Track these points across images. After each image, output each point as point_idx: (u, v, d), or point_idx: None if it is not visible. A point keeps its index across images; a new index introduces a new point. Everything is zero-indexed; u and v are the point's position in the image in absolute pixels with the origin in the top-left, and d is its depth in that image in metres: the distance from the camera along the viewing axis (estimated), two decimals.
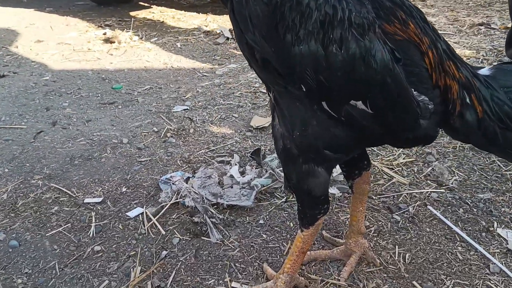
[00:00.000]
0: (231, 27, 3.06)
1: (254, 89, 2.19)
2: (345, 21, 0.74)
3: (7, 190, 1.45)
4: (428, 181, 1.37)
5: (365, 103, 0.78)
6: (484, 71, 0.91)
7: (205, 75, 2.43)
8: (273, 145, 1.20)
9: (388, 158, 1.50)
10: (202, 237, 1.18)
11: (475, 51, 2.45)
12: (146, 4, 4.45)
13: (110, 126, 1.89)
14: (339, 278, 1.03)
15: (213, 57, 2.75)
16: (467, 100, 0.84)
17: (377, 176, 1.41)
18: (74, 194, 1.42)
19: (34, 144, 1.75)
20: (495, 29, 2.81)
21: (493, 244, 1.12)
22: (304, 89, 0.79)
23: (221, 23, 3.59)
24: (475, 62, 2.31)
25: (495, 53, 2.41)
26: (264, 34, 0.79)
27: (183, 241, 1.18)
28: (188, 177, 1.39)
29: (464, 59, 2.28)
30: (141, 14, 3.97)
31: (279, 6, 0.75)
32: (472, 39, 2.67)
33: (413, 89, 0.81)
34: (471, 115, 0.84)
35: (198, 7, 4.39)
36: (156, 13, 4.03)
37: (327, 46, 0.74)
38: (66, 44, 3.08)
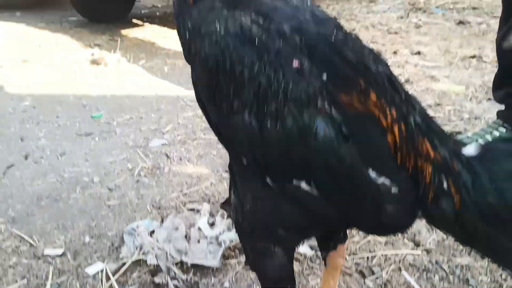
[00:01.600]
0: None
1: None
2: (280, 95, 0.67)
3: None
4: (405, 240, 1.31)
5: (309, 184, 0.71)
6: (470, 150, 0.77)
7: (189, 105, 2.37)
8: None
9: None
10: None
11: (464, 86, 2.41)
12: (139, 22, 4.42)
13: (84, 161, 1.83)
14: None
15: None
16: (444, 185, 0.72)
17: (353, 231, 1.35)
18: (35, 243, 1.35)
19: (3, 180, 1.69)
20: (487, 62, 2.77)
21: None
22: (245, 163, 0.74)
23: None
24: (464, 100, 2.26)
25: (485, 90, 2.36)
26: (206, 99, 0.74)
27: None
28: (153, 231, 1.32)
29: (453, 96, 2.23)
30: (132, 32, 3.94)
31: (214, 73, 0.69)
32: (462, 73, 2.62)
33: (370, 170, 0.71)
34: (448, 205, 0.72)
35: None
36: (148, 32, 3.99)
37: (261, 120, 0.68)
38: (51, 66, 3.03)
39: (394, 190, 0.73)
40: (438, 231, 1.33)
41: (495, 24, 3.78)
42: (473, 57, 2.85)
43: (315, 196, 0.71)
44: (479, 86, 2.41)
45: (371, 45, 2.69)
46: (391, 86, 0.74)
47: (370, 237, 1.32)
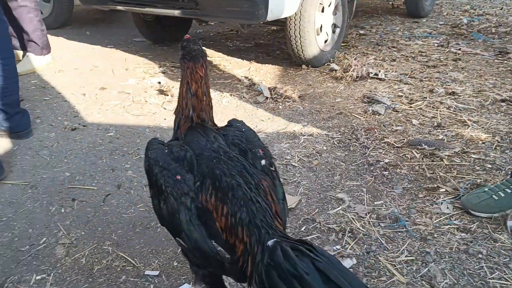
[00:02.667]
0: (270, 85, 3.40)
1: (286, 161, 2.53)
2: (166, 191, 1.20)
3: (85, 255, 1.84)
4: (423, 282, 1.66)
5: (183, 240, 1.20)
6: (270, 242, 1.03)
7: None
8: None
9: (391, 254, 1.79)
10: None
11: (491, 134, 2.69)
12: None
13: None
14: None
15: (252, 118, 3.10)
16: (248, 263, 1.06)
17: (381, 272, 1.71)
18: (137, 264, 1.79)
19: (103, 207, 2.16)
20: None
21: None
22: None
23: (263, 75, 3.95)
24: (489, 148, 2.55)
25: (511, 138, 2.63)
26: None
27: None
28: None
29: (480, 143, 2.51)
30: None
31: (145, 168, 1.31)
32: (492, 119, 2.89)
33: (213, 241, 1.15)
34: (252, 279, 1.03)
35: (243, 51, 4.78)
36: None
37: (159, 203, 1.24)
38: (126, 93, 3.52)
39: (227, 255, 1.16)
40: (451, 276, 1.67)
41: None
42: (503, 101, 3.10)
43: (186, 247, 1.22)
44: (505, 134, 2.68)
45: (410, 81, 3.15)
46: (242, 191, 1.16)
47: (395, 278, 1.68)
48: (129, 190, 2.30)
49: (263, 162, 1.28)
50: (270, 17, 3.46)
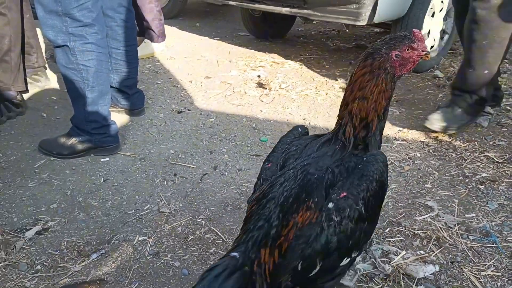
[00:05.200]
0: None
1: None
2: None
3: (181, 224, 2.05)
4: None
5: None
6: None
7: None
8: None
9: (477, 268, 1.75)
10: None
11: None
12: (296, 44, 4.99)
13: (255, 179, 2.41)
14: None
15: None
16: None
17: (463, 283, 1.69)
18: (226, 239, 1.96)
19: (200, 185, 2.36)
20: None
21: None
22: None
23: None
24: None
25: None
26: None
27: None
28: None
29: None
30: (290, 55, 4.51)
31: None
32: None
33: None
34: None
35: (343, 51, 4.80)
36: (304, 55, 4.53)
37: None
38: (227, 84, 3.75)
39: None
40: None
41: None
42: None
43: None
44: None
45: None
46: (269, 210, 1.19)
47: None
48: (224, 172, 2.48)
49: (330, 205, 1.15)
50: (377, 19, 3.45)
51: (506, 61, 4.06)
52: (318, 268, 1.16)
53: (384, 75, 1.23)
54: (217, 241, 1.95)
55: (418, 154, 2.64)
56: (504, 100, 3.18)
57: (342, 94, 3.52)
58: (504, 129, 2.90)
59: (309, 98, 3.49)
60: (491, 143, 2.73)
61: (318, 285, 1.25)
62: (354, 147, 1.25)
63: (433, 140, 2.79)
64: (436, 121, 2.76)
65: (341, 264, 1.20)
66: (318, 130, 2.96)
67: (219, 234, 1.99)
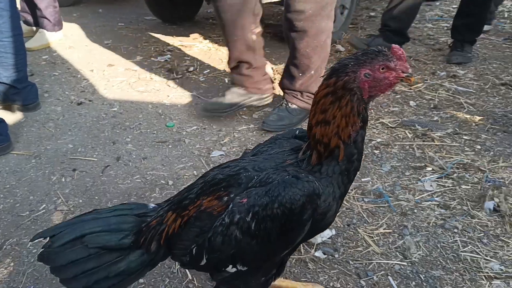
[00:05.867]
0: (274, 65, 3.42)
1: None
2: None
3: None
4: (397, 253, 1.73)
5: None
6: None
7: (244, 118, 2.86)
8: None
9: (371, 227, 1.87)
10: None
11: (485, 117, 2.70)
12: (205, 26, 4.92)
13: (161, 166, 2.37)
14: None
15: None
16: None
17: (358, 242, 1.79)
18: None
19: (102, 178, 2.27)
20: None
21: None
22: None
23: (268, 55, 3.98)
24: (481, 130, 2.58)
25: (504, 121, 2.65)
26: None
27: None
28: None
29: (473, 125, 2.53)
30: (198, 38, 4.44)
31: None
32: (489, 102, 2.90)
33: None
34: None
35: None
36: (213, 37, 4.48)
37: None
38: (132, 71, 3.62)
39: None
40: (424, 248, 1.74)
41: None
42: (504, 84, 3.10)
43: None
44: (500, 117, 2.69)
45: (413, 63, 3.17)
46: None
47: (370, 248, 1.76)
48: (127, 162, 2.41)
49: (230, 205, 1.11)
50: None
51: None
52: (204, 261, 1.16)
53: (350, 97, 1.03)
54: None
55: None
56: None
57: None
58: (398, 96, 3.09)
59: (218, 80, 3.48)
60: (386, 110, 2.90)
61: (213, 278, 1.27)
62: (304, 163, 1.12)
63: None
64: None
65: (226, 269, 1.16)
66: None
67: None
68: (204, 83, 3.39)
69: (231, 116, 2.88)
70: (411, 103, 2.97)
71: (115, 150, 2.51)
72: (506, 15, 5.20)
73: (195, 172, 2.31)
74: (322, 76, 1.10)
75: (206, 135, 2.67)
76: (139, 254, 1.21)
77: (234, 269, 1.15)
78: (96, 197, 2.12)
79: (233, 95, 2.81)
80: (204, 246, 1.14)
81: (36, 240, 1.29)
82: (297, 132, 1.31)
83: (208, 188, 1.17)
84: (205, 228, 1.13)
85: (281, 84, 2.79)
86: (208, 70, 3.63)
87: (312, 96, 1.45)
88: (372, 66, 1.03)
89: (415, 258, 1.70)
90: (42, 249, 1.20)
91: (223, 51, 4.08)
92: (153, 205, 1.31)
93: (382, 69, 1.03)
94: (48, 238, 1.20)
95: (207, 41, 4.37)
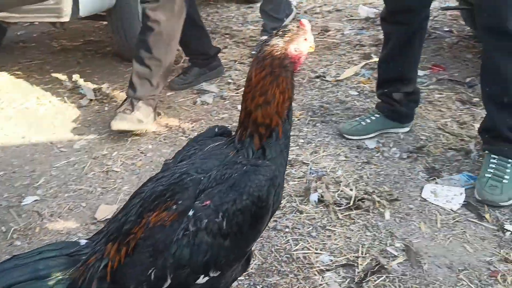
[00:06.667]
0: (97, 85, 3.14)
1: (107, 168, 2.38)
2: None
3: None
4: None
5: None
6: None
7: (62, 151, 2.56)
8: None
9: None
10: None
11: (305, 111, 2.86)
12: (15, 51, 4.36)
13: None
14: None
15: (74, 124, 2.86)
16: None
17: None
18: None
19: None
20: (329, 81, 3.26)
21: None
22: None
23: (89, 75, 3.67)
24: (303, 124, 2.71)
25: (322, 111, 2.83)
26: None
27: None
28: None
29: (295, 120, 2.63)
30: (7, 64, 3.90)
31: None
32: (307, 95, 3.08)
33: None
34: None
35: (70, 50, 4.41)
36: (25, 63, 3.98)
37: None
38: None
39: None
40: (260, 256, 1.72)
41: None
42: (318, 77, 3.33)
43: None
44: (318, 108, 2.88)
45: (239, 67, 3.12)
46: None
47: None
48: None
49: (190, 212, 1.04)
50: (83, 12, 3.20)
51: None
52: (169, 281, 1.04)
53: (285, 73, 1.12)
54: None
55: (150, 146, 2.59)
56: (223, 74, 3.43)
57: (68, 100, 3.22)
58: (226, 102, 3.11)
59: (29, 111, 3.07)
60: (216, 117, 2.88)
61: None
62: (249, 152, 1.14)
63: (164, 128, 2.79)
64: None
65: (197, 281, 1.07)
66: (41, 146, 2.62)
67: None
68: (13, 118, 2.97)
69: (47, 151, 2.56)
70: (239, 107, 3.00)
71: None
72: (318, 10, 5.67)
73: (3, 228, 1.96)
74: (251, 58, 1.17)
75: (16, 180, 2.31)
76: None
77: (206, 278, 1.07)
78: None
79: None
80: (165, 265, 1.03)
81: None
82: (216, 129, 1.35)
83: (151, 204, 1.09)
84: (159, 245, 1.04)
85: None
86: (18, 102, 3.20)
87: None
88: (298, 40, 1.13)
89: (251, 269, 1.67)
90: None
91: (36, 77, 3.65)
92: (85, 240, 1.16)
93: (304, 41, 1.14)
94: None
95: (16, 67, 3.86)
